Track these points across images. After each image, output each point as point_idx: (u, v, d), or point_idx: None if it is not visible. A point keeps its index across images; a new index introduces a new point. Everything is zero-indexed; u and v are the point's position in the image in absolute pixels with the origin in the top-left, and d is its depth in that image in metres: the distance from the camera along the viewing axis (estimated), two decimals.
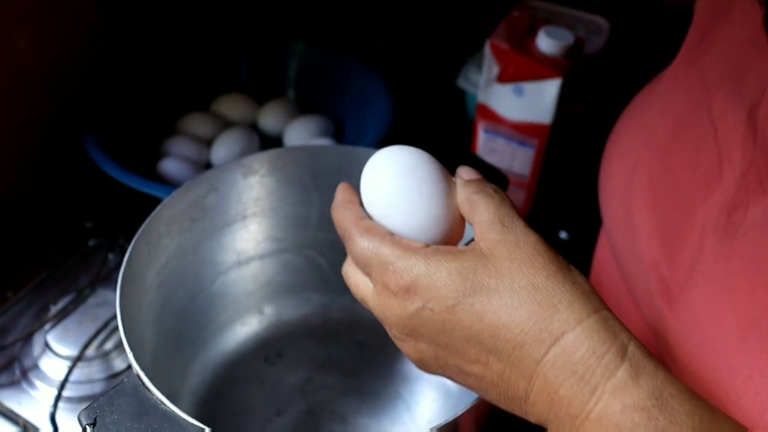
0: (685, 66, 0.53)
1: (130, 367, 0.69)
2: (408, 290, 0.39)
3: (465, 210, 0.43)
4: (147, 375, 0.48)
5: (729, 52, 0.49)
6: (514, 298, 0.36)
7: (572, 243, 0.84)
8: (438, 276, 0.38)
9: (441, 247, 0.40)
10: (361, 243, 0.43)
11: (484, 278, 0.37)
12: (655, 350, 0.48)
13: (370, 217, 0.45)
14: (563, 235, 0.85)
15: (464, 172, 0.45)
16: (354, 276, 0.45)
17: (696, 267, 0.44)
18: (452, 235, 0.44)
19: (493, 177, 0.62)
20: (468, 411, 0.45)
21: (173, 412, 0.42)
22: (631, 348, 0.35)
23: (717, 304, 0.40)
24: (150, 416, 0.42)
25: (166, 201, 0.56)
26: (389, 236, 0.42)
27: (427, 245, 0.41)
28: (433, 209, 0.43)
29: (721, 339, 0.38)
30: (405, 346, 0.42)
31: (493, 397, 0.39)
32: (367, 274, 0.43)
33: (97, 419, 0.42)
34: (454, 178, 0.45)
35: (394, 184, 0.43)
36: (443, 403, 0.66)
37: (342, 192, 0.47)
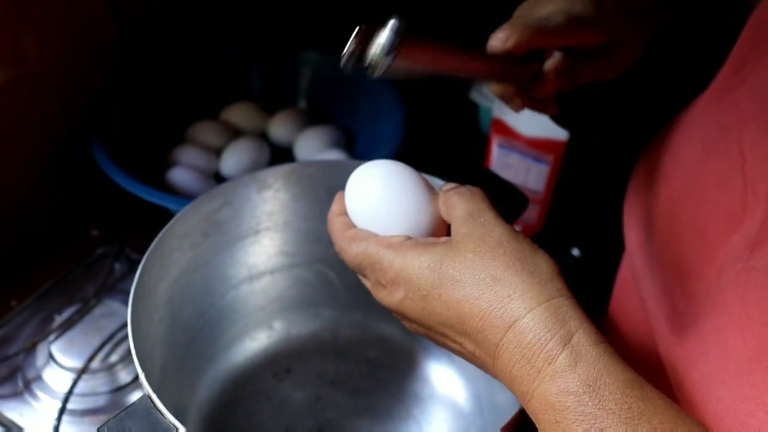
0: (718, 94, 0.53)
1: (136, 379, 0.68)
2: (393, 282, 0.43)
3: (443, 212, 0.46)
4: (156, 394, 0.46)
5: (766, 84, 0.48)
6: (475, 288, 0.40)
7: (585, 260, 0.83)
8: (412, 269, 0.42)
9: (418, 240, 0.44)
10: (350, 251, 0.46)
11: (450, 270, 0.41)
12: (664, 378, 0.47)
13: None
14: (575, 252, 0.84)
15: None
16: (362, 281, 0.49)
17: (710, 299, 0.44)
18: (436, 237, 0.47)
19: (509, 194, 0.61)
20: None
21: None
22: (578, 336, 0.38)
23: (727, 335, 0.41)
24: None
25: (179, 215, 0.55)
26: (372, 237, 0.45)
27: (408, 238, 0.45)
28: (415, 216, 0.46)
29: (728, 369, 0.39)
30: (405, 324, 0.46)
31: (478, 367, 0.43)
32: (364, 276, 0.47)
33: None
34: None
35: (376, 195, 0.46)
36: (455, 424, 0.65)
37: (334, 204, 0.50)
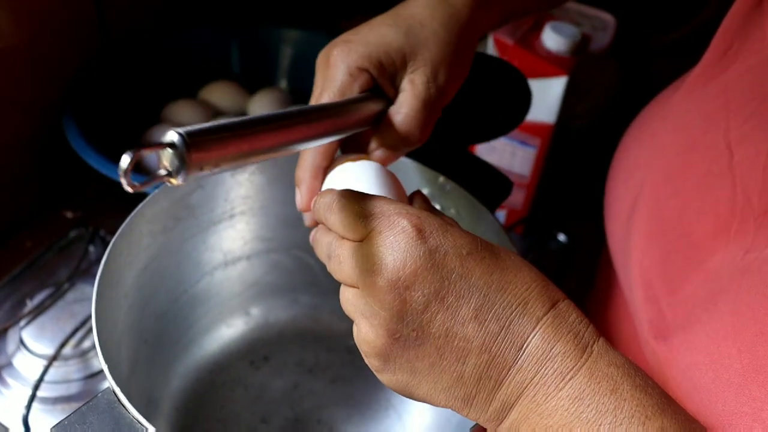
0: (704, 80, 0.50)
1: None
2: (421, 230, 0.38)
3: None
4: (124, 386, 0.44)
5: (755, 68, 0.45)
6: (519, 262, 0.38)
7: (570, 246, 0.82)
8: (453, 228, 0.39)
9: None
10: (367, 201, 0.40)
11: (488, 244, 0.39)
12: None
13: None
14: (561, 237, 0.82)
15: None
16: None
17: (699, 305, 0.42)
18: None
19: (493, 178, 0.59)
20: None
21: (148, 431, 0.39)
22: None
23: (721, 346, 0.39)
24: None
25: (148, 199, 0.53)
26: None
27: None
28: None
29: (723, 383, 0.38)
30: (388, 298, 0.37)
31: (465, 373, 0.38)
32: (368, 228, 0.39)
33: None
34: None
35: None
36: (436, 414, 0.63)
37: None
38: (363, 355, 0.41)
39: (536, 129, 0.74)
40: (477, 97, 0.56)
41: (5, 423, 0.64)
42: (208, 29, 0.89)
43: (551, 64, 0.70)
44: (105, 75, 0.81)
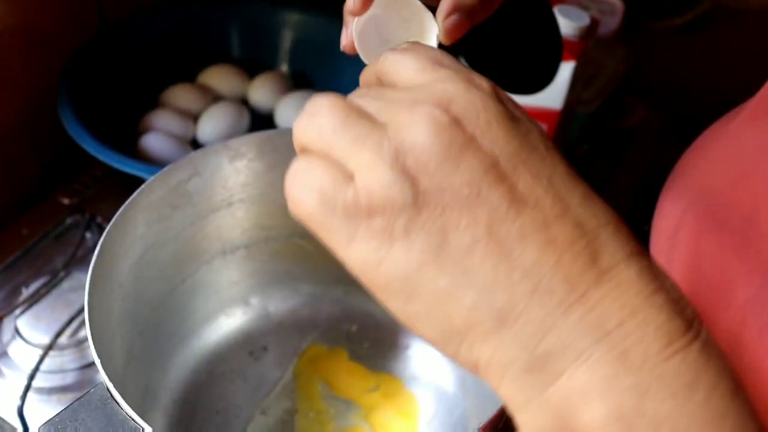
0: (763, 109, 0.46)
1: None
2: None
3: None
4: (119, 379, 0.43)
5: None
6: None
7: None
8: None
9: None
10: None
11: None
12: None
13: None
14: None
15: None
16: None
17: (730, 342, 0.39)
18: None
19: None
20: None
21: (144, 430, 0.38)
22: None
23: None
24: None
25: (143, 187, 0.51)
26: None
27: None
28: None
29: None
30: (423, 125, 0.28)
31: (519, 266, 0.27)
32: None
33: None
34: None
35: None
36: (438, 406, 0.62)
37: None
38: (378, 207, 0.28)
39: (542, 115, 0.73)
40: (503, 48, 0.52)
41: (1, 413, 0.62)
42: (207, 11, 0.87)
43: None
44: (101, 58, 0.79)
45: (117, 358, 0.50)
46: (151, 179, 0.52)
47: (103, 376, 0.40)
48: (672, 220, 0.48)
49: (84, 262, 0.73)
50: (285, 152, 0.58)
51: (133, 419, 0.39)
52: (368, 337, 0.67)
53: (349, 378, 0.65)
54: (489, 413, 0.42)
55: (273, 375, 0.64)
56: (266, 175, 0.59)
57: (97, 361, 0.41)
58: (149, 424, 0.38)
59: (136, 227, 0.52)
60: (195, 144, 0.79)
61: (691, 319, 0.27)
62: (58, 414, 0.39)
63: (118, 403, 0.39)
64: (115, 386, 0.40)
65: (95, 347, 0.41)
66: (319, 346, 0.66)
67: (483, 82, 0.30)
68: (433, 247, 0.28)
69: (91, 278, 0.45)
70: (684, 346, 0.26)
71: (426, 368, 0.64)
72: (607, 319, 0.27)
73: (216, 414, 0.61)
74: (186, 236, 0.58)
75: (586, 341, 0.26)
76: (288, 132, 0.59)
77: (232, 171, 0.57)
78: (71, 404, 0.39)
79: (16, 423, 0.61)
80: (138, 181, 0.68)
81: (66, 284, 0.71)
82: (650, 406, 0.26)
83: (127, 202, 0.50)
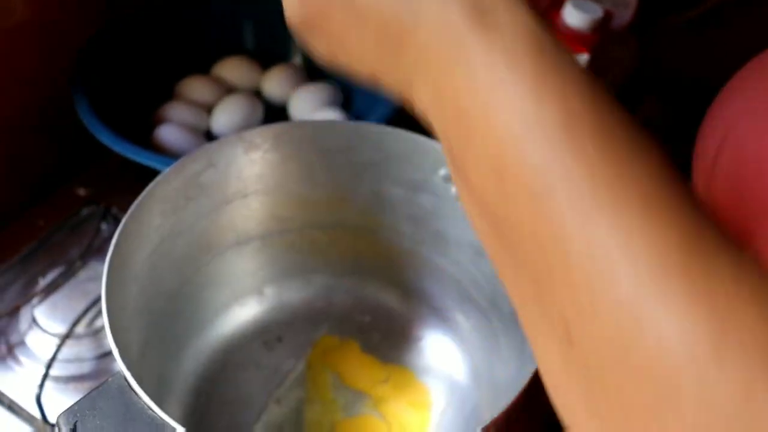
0: None
1: None
2: None
3: None
4: (135, 369, 0.44)
5: None
6: None
7: None
8: None
9: None
10: None
11: None
12: None
13: None
14: None
15: None
16: None
17: None
18: None
19: None
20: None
21: (162, 419, 0.39)
22: None
23: None
24: (136, 423, 0.39)
25: (159, 178, 0.52)
26: None
27: None
28: None
29: None
30: None
31: (368, 35, 0.34)
32: None
33: (78, 424, 0.39)
34: None
35: None
36: (451, 398, 0.63)
37: None
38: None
39: None
40: None
41: (19, 401, 0.63)
42: (221, 3, 0.87)
43: (572, 42, 0.68)
44: (115, 50, 0.80)
45: (133, 348, 0.50)
46: (166, 171, 0.52)
47: (121, 365, 0.41)
48: (714, 141, 0.48)
49: (100, 252, 0.74)
50: (300, 144, 0.58)
51: (150, 408, 0.39)
52: (380, 329, 0.67)
53: (361, 369, 0.65)
54: (501, 406, 0.42)
55: (286, 365, 0.65)
56: (281, 166, 0.59)
57: (115, 351, 0.41)
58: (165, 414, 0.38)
59: (151, 218, 0.52)
60: (209, 135, 0.79)
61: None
62: (76, 402, 0.39)
63: (135, 393, 0.40)
64: (132, 376, 0.40)
65: (113, 338, 0.42)
66: (332, 337, 0.67)
67: None
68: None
69: (108, 269, 0.45)
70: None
71: (438, 360, 0.65)
72: None
73: (230, 403, 0.62)
74: (201, 227, 0.58)
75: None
76: (302, 124, 0.60)
77: (247, 162, 0.58)
78: (89, 393, 0.40)
79: (35, 411, 0.62)
80: (152, 173, 0.68)
81: (82, 274, 0.71)
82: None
83: (142, 193, 0.50)
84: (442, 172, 0.56)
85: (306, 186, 0.61)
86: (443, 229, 0.60)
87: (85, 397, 0.39)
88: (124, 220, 0.48)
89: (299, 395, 0.63)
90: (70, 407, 0.39)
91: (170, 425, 0.39)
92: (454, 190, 0.56)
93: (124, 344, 0.46)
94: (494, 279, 0.56)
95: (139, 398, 0.40)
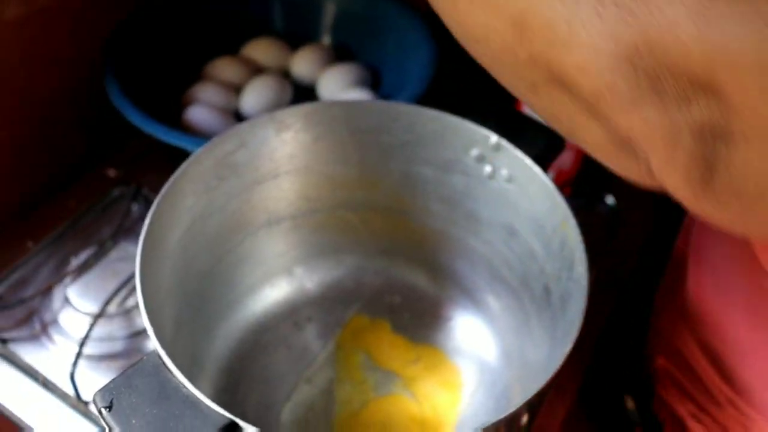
0: None
1: None
2: None
3: None
4: (168, 348, 0.44)
5: None
6: None
7: (619, 209, 0.80)
8: None
9: None
10: None
11: None
12: None
13: None
14: (609, 200, 0.80)
15: None
16: None
17: None
18: None
19: (544, 136, 0.57)
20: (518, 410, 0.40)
21: (196, 397, 0.39)
22: None
23: None
24: (171, 401, 0.39)
25: (191, 159, 0.51)
26: None
27: None
28: None
29: None
30: None
31: None
32: None
33: (114, 402, 0.39)
34: None
35: None
36: (481, 378, 0.62)
37: None
38: None
39: None
40: None
41: (53, 378, 0.64)
42: None
43: None
44: (145, 31, 0.80)
45: (166, 327, 0.51)
46: (198, 151, 0.52)
47: (156, 344, 0.41)
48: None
49: (131, 232, 0.75)
50: (331, 124, 0.58)
51: (185, 387, 0.39)
52: (411, 309, 0.67)
53: (391, 350, 0.65)
54: (535, 388, 0.42)
55: (317, 345, 0.65)
56: (312, 146, 0.59)
57: (150, 331, 0.42)
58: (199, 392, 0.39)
59: (184, 198, 0.52)
60: (238, 116, 0.79)
61: None
62: (112, 380, 0.40)
63: (170, 371, 0.40)
64: (166, 355, 0.40)
65: (148, 317, 0.42)
66: (362, 317, 0.67)
67: None
68: None
69: (142, 250, 0.46)
70: None
71: (469, 340, 0.64)
72: None
73: (261, 383, 0.62)
74: (232, 208, 0.58)
75: None
76: (333, 104, 0.60)
77: (278, 143, 0.57)
78: (125, 371, 0.40)
79: (68, 388, 0.62)
80: (182, 153, 0.68)
81: (113, 254, 0.72)
82: None
83: (175, 174, 0.50)
84: (474, 152, 0.55)
85: (337, 166, 0.61)
86: (475, 209, 0.59)
87: (120, 375, 0.40)
88: (157, 200, 0.48)
89: (329, 375, 0.63)
90: (106, 385, 0.39)
91: (204, 403, 0.39)
92: (486, 170, 0.56)
93: (157, 323, 0.46)
94: (526, 259, 0.56)
95: (174, 377, 0.40)
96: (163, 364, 0.40)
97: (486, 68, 0.36)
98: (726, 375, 0.54)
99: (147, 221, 0.47)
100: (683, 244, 0.63)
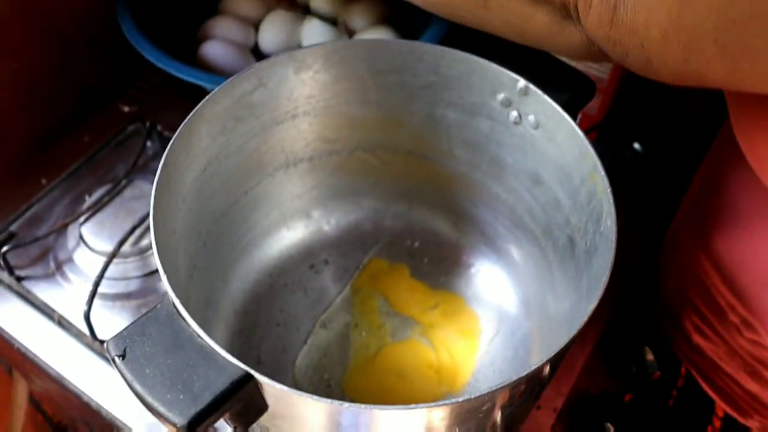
0: None
1: None
2: None
3: None
4: (183, 292, 0.43)
5: None
6: None
7: (645, 156, 0.77)
8: None
9: None
10: None
11: None
12: None
13: None
14: (637, 146, 0.77)
15: None
16: None
17: None
18: None
19: (574, 80, 0.55)
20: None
21: (211, 347, 0.38)
22: None
23: None
24: (185, 350, 0.38)
25: (207, 98, 0.50)
26: None
27: None
28: None
29: None
30: None
31: None
32: None
33: (127, 350, 0.38)
34: None
35: None
36: (500, 326, 0.61)
37: None
38: None
39: None
40: None
41: (68, 317, 0.64)
42: None
43: None
44: None
45: (180, 270, 0.50)
46: (215, 90, 0.50)
47: (170, 292, 0.40)
48: None
49: (145, 170, 0.73)
50: (352, 63, 0.56)
51: (199, 336, 0.38)
52: (430, 254, 0.66)
53: (409, 295, 0.64)
54: (554, 341, 0.41)
55: (334, 288, 0.64)
56: (332, 87, 0.57)
57: (164, 278, 0.40)
58: (211, 336, 0.38)
59: (200, 139, 0.50)
60: (256, 52, 0.77)
61: None
62: (126, 328, 0.39)
63: (184, 320, 0.39)
64: (179, 300, 0.39)
65: (161, 263, 0.41)
66: (381, 261, 0.66)
67: None
68: None
69: (156, 192, 0.44)
70: None
71: (489, 288, 0.63)
72: None
73: (276, 326, 0.61)
74: (249, 148, 0.56)
75: None
76: (354, 43, 0.57)
77: (297, 82, 0.55)
78: (139, 319, 0.39)
79: (83, 327, 0.62)
80: (198, 90, 0.66)
81: (128, 192, 0.71)
82: None
83: (190, 114, 0.48)
84: (501, 96, 0.53)
85: (357, 107, 0.59)
86: (499, 154, 0.57)
87: (134, 323, 0.39)
88: (171, 141, 0.47)
89: (346, 319, 0.62)
90: (119, 333, 0.38)
91: (219, 353, 0.38)
92: (513, 115, 0.54)
93: (171, 267, 0.45)
94: (550, 209, 0.54)
95: (188, 326, 0.39)
96: (177, 312, 0.39)
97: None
98: (727, 279, 0.56)
99: (161, 163, 0.45)
100: (710, 165, 0.62)
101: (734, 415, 0.62)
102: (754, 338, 0.55)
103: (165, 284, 0.40)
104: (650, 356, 0.65)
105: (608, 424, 0.62)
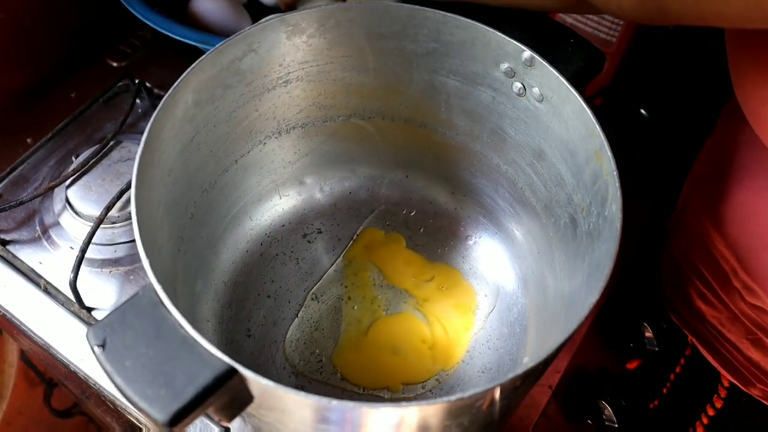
0: None
1: None
2: None
3: None
4: (170, 272, 0.41)
5: None
6: None
7: (652, 121, 0.75)
8: None
9: None
10: None
11: None
12: None
13: None
14: (643, 112, 0.75)
15: None
16: None
17: None
18: None
19: (583, 50, 0.52)
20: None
21: (194, 339, 0.36)
22: None
23: None
24: (167, 341, 0.36)
25: (193, 66, 0.47)
26: None
27: None
28: None
29: None
30: None
31: None
32: None
33: (107, 340, 0.36)
34: None
35: None
36: (497, 301, 0.60)
37: None
38: None
39: None
40: None
41: (55, 283, 0.62)
42: None
43: None
44: None
45: (167, 246, 0.48)
46: (202, 58, 0.47)
47: (151, 278, 0.38)
48: None
49: (134, 129, 0.71)
50: (349, 28, 0.53)
51: (182, 326, 0.36)
52: (427, 225, 0.64)
53: (405, 267, 0.62)
54: (554, 331, 0.39)
55: (327, 259, 0.62)
56: (326, 52, 0.54)
57: (146, 265, 0.38)
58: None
59: (186, 109, 0.48)
60: (250, 6, 0.74)
61: None
62: (106, 317, 0.37)
63: (167, 309, 0.37)
64: (162, 286, 0.37)
65: (144, 249, 0.39)
66: (376, 230, 0.64)
67: None
68: None
69: (138, 169, 0.42)
70: None
71: (486, 262, 0.61)
72: None
73: (267, 297, 0.60)
74: (239, 116, 0.54)
75: None
76: (350, 7, 0.54)
77: (290, 47, 0.53)
78: (120, 307, 0.37)
79: (70, 294, 0.60)
80: (189, 47, 0.63)
81: (115, 154, 0.68)
82: None
83: (176, 83, 0.46)
84: (504, 66, 0.51)
85: (353, 74, 0.56)
86: (501, 126, 0.55)
87: (115, 311, 0.37)
88: (155, 113, 0.44)
89: (338, 292, 0.61)
90: (100, 321, 0.36)
91: (202, 345, 0.36)
92: (516, 86, 0.51)
93: (155, 248, 0.43)
94: (552, 186, 0.52)
95: (171, 315, 0.37)
96: (160, 301, 0.37)
97: None
98: (730, 243, 0.55)
99: (144, 137, 0.43)
100: (718, 136, 0.61)
101: (737, 383, 0.61)
102: (755, 303, 0.55)
103: (148, 272, 0.38)
104: (649, 333, 0.64)
105: (603, 402, 0.61)
